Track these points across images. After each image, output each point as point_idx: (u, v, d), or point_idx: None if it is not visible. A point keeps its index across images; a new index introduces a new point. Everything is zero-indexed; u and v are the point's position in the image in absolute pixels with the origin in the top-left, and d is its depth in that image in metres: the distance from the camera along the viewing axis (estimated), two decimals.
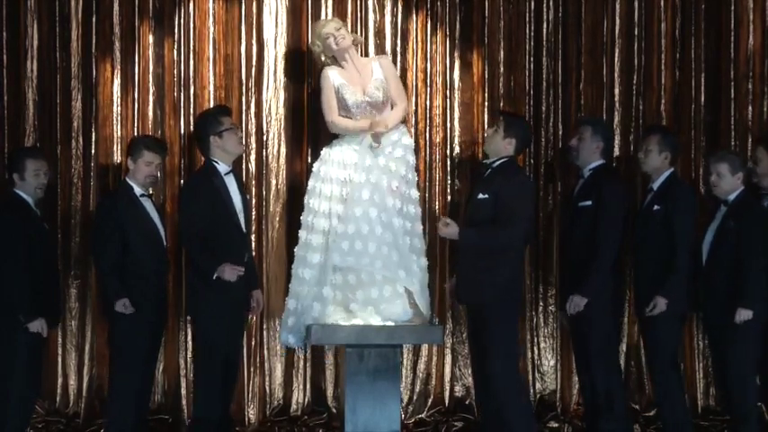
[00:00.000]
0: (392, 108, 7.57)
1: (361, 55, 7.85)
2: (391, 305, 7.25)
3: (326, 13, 8.29)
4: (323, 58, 7.64)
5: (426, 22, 8.38)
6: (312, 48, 7.71)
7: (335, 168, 7.43)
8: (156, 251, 7.55)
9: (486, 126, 8.25)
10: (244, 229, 7.57)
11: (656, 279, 7.44)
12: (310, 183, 7.52)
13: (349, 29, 7.91)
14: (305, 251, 7.44)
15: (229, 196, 7.50)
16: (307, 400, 8.30)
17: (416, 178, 7.58)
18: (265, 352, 8.24)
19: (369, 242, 7.25)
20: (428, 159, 8.34)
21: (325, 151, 7.56)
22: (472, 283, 7.33)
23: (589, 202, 7.55)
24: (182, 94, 8.21)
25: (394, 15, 8.36)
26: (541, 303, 8.40)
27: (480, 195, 7.36)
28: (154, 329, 7.57)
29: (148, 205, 7.58)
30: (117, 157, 8.10)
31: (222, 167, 7.53)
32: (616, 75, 8.45)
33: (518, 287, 7.57)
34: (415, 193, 7.51)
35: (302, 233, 7.48)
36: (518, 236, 7.33)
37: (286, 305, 7.51)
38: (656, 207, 7.53)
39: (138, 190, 7.53)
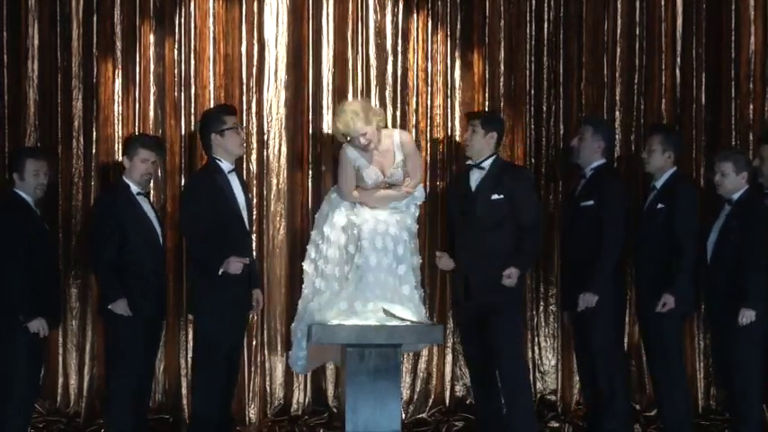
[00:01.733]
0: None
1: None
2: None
3: (327, 13, 8.29)
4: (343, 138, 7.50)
5: (427, 21, 8.38)
6: (336, 125, 7.44)
7: (342, 217, 7.40)
8: (154, 250, 7.54)
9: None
10: (247, 227, 7.58)
11: (657, 278, 7.45)
12: (324, 229, 7.43)
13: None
14: (316, 297, 7.40)
15: (233, 194, 7.50)
16: (307, 399, 8.29)
17: (416, 228, 7.57)
18: (266, 352, 8.24)
19: (380, 273, 7.26)
20: (429, 159, 8.33)
21: (335, 197, 7.51)
22: (489, 283, 7.41)
23: (591, 202, 7.57)
24: (182, 93, 8.21)
25: (395, 15, 8.36)
26: (542, 303, 8.40)
27: (495, 196, 7.45)
28: (153, 329, 7.57)
29: (145, 205, 7.57)
30: (118, 157, 8.09)
31: (225, 165, 7.53)
32: (617, 74, 8.45)
33: (523, 284, 7.75)
34: (416, 227, 7.51)
35: (313, 279, 7.43)
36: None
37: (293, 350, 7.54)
38: (659, 205, 7.54)
39: (134, 188, 7.53)
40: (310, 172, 8.25)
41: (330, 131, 8.18)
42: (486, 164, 7.55)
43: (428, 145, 8.35)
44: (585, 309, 7.47)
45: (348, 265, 7.31)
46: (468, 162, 7.64)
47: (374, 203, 7.41)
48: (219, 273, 7.31)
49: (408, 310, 7.22)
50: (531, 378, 8.29)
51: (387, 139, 7.46)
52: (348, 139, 7.41)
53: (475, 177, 7.57)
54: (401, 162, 7.45)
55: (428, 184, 8.26)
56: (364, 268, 7.25)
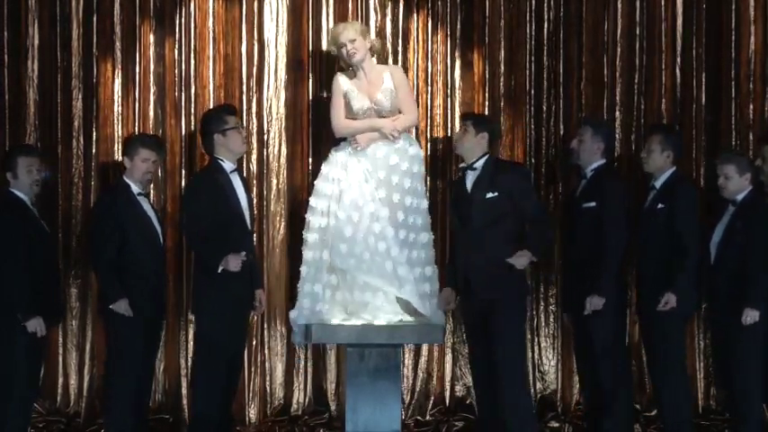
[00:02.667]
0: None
1: (378, 61, 7.78)
2: (381, 311, 7.28)
3: (327, 13, 8.29)
4: (340, 62, 7.68)
5: (427, 21, 8.38)
6: (329, 48, 7.72)
7: (337, 169, 7.46)
8: (154, 251, 7.54)
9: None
10: (249, 227, 7.57)
11: (658, 278, 7.45)
12: (316, 183, 7.55)
13: (372, 33, 7.91)
14: (304, 249, 7.49)
15: (235, 194, 7.51)
16: (307, 399, 8.29)
17: (424, 188, 7.61)
18: (266, 351, 8.24)
19: (354, 246, 7.30)
20: (430, 159, 8.33)
21: (331, 152, 7.58)
22: (489, 281, 7.40)
23: (593, 204, 7.57)
24: (182, 93, 8.21)
25: (395, 15, 8.35)
26: (542, 303, 8.39)
27: (489, 195, 7.44)
28: (152, 329, 7.57)
29: (146, 205, 7.57)
30: (118, 157, 8.09)
31: (227, 165, 7.54)
32: (617, 74, 8.45)
33: (528, 283, 7.79)
34: (424, 204, 7.52)
35: (304, 232, 7.53)
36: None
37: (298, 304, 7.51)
38: (659, 206, 7.54)
39: (135, 188, 7.53)
40: (310, 172, 8.25)
41: (328, 133, 8.20)
42: (479, 164, 7.56)
43: (428, 145, 8.34)
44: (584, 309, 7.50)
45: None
46: (462, 165, 7.65)
47: (362, 137, 7.43)
48: (219, 270, 7.31)
49: (380, 281, 7.23)
50: (531, 378, 8.31)
51: (378, 71, 7.58)
52: (340, 52, 7.52)
53: (470, 179, 7.57)
54: (390, 90, 7.50)
55: (428, 183, 8.26)
56: (337, 237, 7.31)
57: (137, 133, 7.99)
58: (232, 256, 7.31)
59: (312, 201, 7.51)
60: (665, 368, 7.52)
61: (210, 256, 7.37)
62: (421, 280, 7.41)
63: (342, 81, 7.58)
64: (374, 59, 7.64)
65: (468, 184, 7.58)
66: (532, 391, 8.24)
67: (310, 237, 7.46)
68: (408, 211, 7.44)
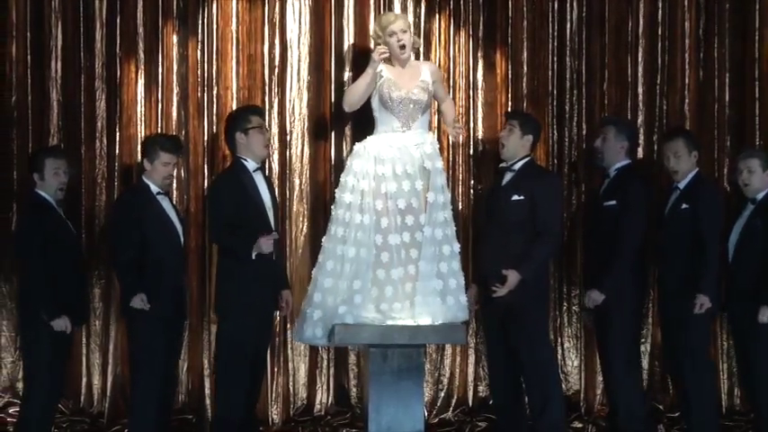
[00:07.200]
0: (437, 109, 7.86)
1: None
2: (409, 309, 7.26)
3: (349, 14, 8.30)
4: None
5: (449, 22, 8.38)
6: (371, 36, 7.71)
7: (370, 164, 7.35)
8: (174, 250, 7.54)
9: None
10: (272, 226, 7.56)
11: (682, 279, 7.43)
12: (342, 178, 7.39)
13: (411, 31, 7.90)
14: (334, 244, 7.30)
15: (258, 193, 7.51)
16: (330, 399, 8.30)
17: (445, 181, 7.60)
18: (289, 352, 8.24)
19: (388, 241, 7.24)
20: (451, 159, 8.33)
21: (358, 146, 7.45)
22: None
23: (614, 202, 7.57)
24: (205, 94, 8.22)
25: (417, 16, 8.35)
26: (565, 303, 8.38)
27: (515, 197, 7.45)
28: (173, 328, 7.57)
29: (166, 204, 7.59)
30: (140, 157, 8.10)
31: (250, 164, 7.54)
32: (640, 74, 8.44)
33: (547, 285, 7.73)
34: (446, 197, 7.39)
35: (332, 227, 7.34)
36: (560, 237, 7.67)
37: (310, 299, 7.34)
38: (683, 206, 7.53)
39: (155, 188, 7.54)
40: (333, 172, 8.25)
41: (350, 132, 8.21)
42: (518, 166, 7.55)
43: (450, 146, 8.34)
44: (604, 309, 7.48)
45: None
46: (502, 165, 7.63)
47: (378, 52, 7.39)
48: (253, 256, 7.30)
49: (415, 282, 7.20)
50: None
51: (415, 65, 7.57)
52: (388, 41, 7.41)
53: (505, 180, 7.58)
54: (427, 83, 7.45)
55: (450, 184, 8.25)
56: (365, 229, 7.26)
57: (154, 135, 7.96)
58: (263, 238, 7.30)
59: (346, 197, 7.30)
60: (691, 368, 7.49)
61: (239, 243, 7.35)
62: (451, 275, 7.34)
63: (382, 68, 7.45)
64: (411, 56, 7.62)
65: (502, 185, 7.57)
66: (562, 392, 8.20)
67: (347, 232, 7.29)
68: (433, 208, 7.37)
